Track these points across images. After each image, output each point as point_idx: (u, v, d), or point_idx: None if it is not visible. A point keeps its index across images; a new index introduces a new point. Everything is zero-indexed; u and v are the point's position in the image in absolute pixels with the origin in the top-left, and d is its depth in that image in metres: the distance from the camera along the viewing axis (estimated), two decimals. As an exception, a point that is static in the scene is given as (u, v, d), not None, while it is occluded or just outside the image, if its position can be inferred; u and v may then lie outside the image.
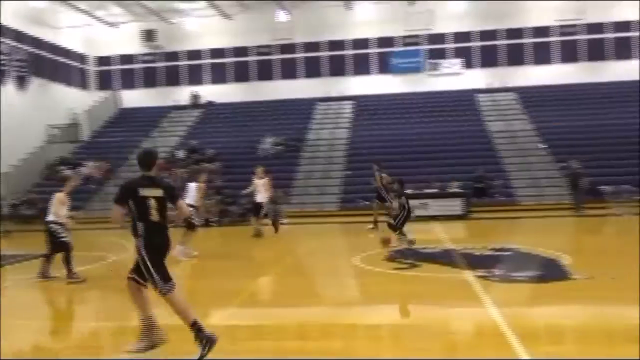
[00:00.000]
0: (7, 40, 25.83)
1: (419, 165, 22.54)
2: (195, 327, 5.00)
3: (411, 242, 11.90)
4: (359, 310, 7.31)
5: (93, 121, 30.07)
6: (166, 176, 23.38)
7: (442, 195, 19.79)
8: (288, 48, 31.37)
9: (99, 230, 18.99)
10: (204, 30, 31.32)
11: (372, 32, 30.48)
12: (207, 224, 19.08)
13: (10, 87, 25.97)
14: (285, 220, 19.50)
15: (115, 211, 5.25)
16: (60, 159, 26.33)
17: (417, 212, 18.99)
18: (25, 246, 13.87)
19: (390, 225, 12.28)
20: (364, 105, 29.43)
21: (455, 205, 19.37)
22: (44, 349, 6.11)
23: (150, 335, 5.14)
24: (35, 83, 27.58)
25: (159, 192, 5.23)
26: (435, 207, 19.20)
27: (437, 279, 8.74)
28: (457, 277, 8.62)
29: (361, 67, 30.82)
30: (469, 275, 8.58)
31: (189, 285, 10.03)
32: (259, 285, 9.07)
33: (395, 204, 12.42)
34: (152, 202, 5.17)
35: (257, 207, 15.23)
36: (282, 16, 30.26)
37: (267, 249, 12.51)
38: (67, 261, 9.27)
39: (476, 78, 29.43)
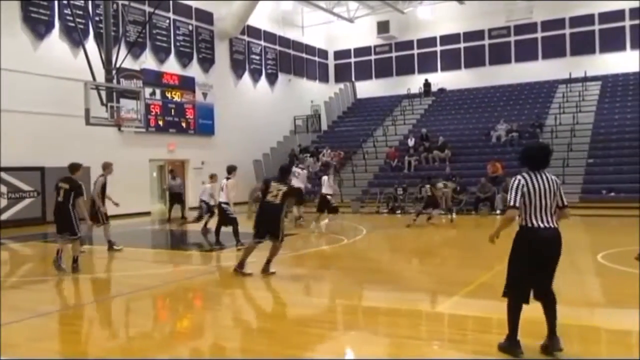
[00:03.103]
0: (261, 42, 29.01)
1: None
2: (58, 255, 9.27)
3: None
4: (602, 313, 6.68)
5: (331, 112, 32.20)
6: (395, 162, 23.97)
7: None
8: (525, 28, 29.60)
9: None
10: (435, 18, 31.23)
11: (628, 2, 27.11)
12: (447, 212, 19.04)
13: (263, 83, 29.19)
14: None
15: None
16: (301, 148, 28.73)
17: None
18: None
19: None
20: (613, 85, 26.37)
21: None
22: (287, 316, 6.81)
23: None
24: (282, 78, 30.54)
25: (66, 186, 9.15)
26: None
27: None
28: None
29: (611, 43, 27.64)
30: None
31: (420, 270, 10.20)
32: (489, 277, 8.80)
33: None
34: (62, 191, 9.16)
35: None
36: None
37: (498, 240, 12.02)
38: (236, 233, 11.63)
39: None
